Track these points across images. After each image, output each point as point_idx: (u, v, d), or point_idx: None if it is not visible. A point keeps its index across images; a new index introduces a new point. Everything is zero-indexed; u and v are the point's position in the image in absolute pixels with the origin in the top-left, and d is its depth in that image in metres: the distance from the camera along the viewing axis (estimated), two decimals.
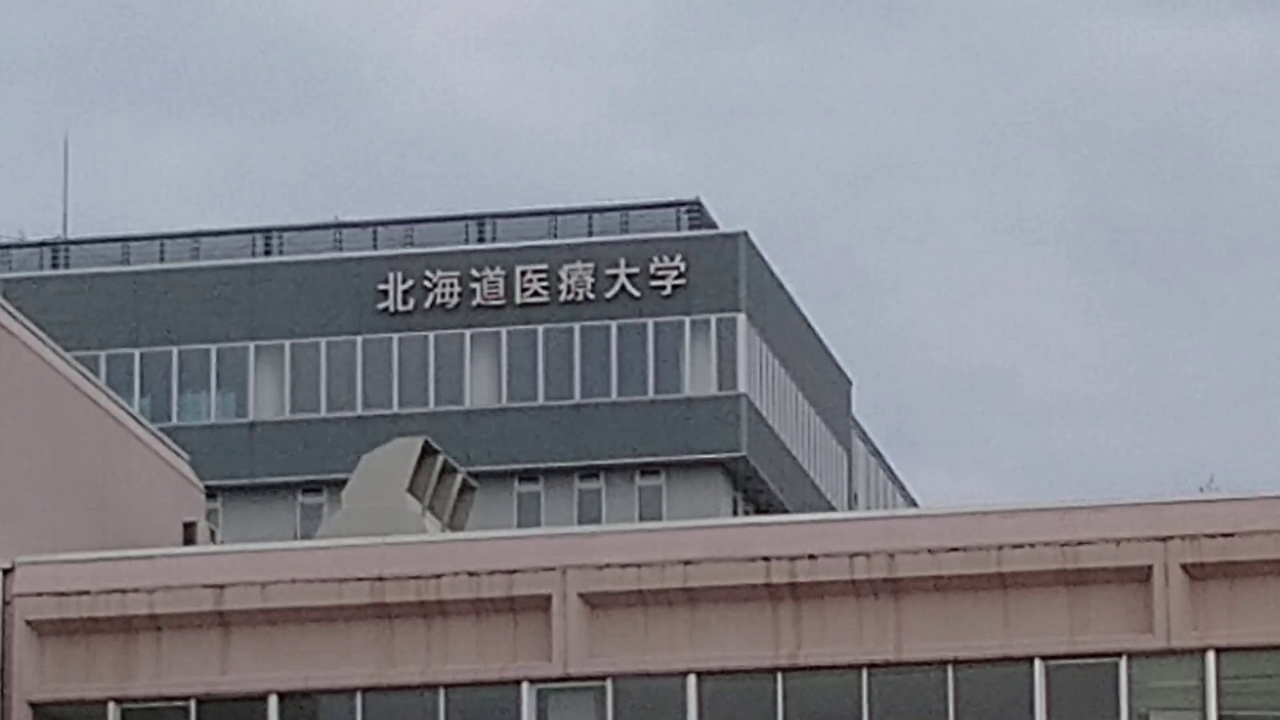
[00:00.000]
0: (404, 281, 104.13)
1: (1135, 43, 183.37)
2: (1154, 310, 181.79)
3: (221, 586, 50.09)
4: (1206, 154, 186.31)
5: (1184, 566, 46.17)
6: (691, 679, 47.91)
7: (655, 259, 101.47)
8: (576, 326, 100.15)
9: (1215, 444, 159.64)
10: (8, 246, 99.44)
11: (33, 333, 55.77)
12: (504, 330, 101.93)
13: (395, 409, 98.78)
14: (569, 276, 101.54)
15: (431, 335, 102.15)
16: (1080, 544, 47.05)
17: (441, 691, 49.15)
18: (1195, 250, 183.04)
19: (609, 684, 48.48)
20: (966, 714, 47.33)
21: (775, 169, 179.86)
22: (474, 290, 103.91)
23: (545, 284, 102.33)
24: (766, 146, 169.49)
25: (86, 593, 49.55)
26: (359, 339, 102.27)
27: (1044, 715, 46.72)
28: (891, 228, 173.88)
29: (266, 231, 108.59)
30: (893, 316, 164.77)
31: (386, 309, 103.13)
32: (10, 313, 55.62)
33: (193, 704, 48.99)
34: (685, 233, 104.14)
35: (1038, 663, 46.59)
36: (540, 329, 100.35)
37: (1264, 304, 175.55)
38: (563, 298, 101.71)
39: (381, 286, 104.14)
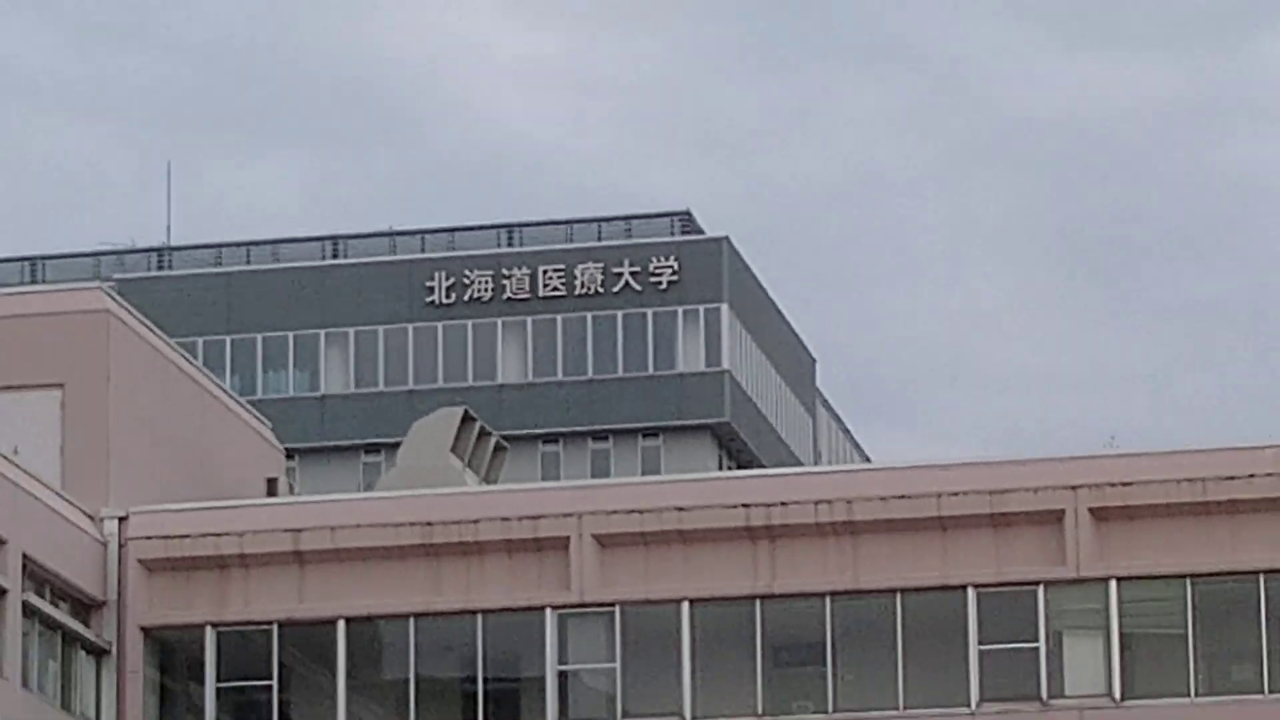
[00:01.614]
0: (446, 279, 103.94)
1: (1068, 80, 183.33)
2: (1080, 301, 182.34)
3: (298, 530, 50.70)
4: (1125, 171, 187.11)
5: (1090, 510, 47.12)
6: (685, 605, 48.37)
7: (653, 260, 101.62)
8: (589, 315, 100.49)
9: (1123, 409, 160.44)
10: (121, 252, 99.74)
11: (143, 323, 55.89)
12: (529, 319, 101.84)
13: (440, 384, 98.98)
14: (582, 274, 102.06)
15: (469, 323, 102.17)
16: (1005, 492, 47.89)
17: (479, 616, 49.36)
18: (1115, 251, 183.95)
19: (617, 609, 48.83)
20: (911, 633, 47.81)
21: (754, 184, 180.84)
22: (504, 286, 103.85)
23: (563, 281, 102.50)
24: (747, 165, 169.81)
25: (187, 536, 50.07)
26: (410, 326, 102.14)
27: (975, 634, 47.12)
28: (856, 234, 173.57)
29: (334, 239, 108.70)
30: (854, 307, 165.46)
31: (432, 302, 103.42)
32: (125, 307, 55.81)
33: (275, 627, 49.26)
34: (678, 238, 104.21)
35: (970, 590, 47.21)
36: (559, 318, 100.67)
37: (1169, 296, 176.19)
38: (577, 292, 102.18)
39: (428, 284, 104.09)
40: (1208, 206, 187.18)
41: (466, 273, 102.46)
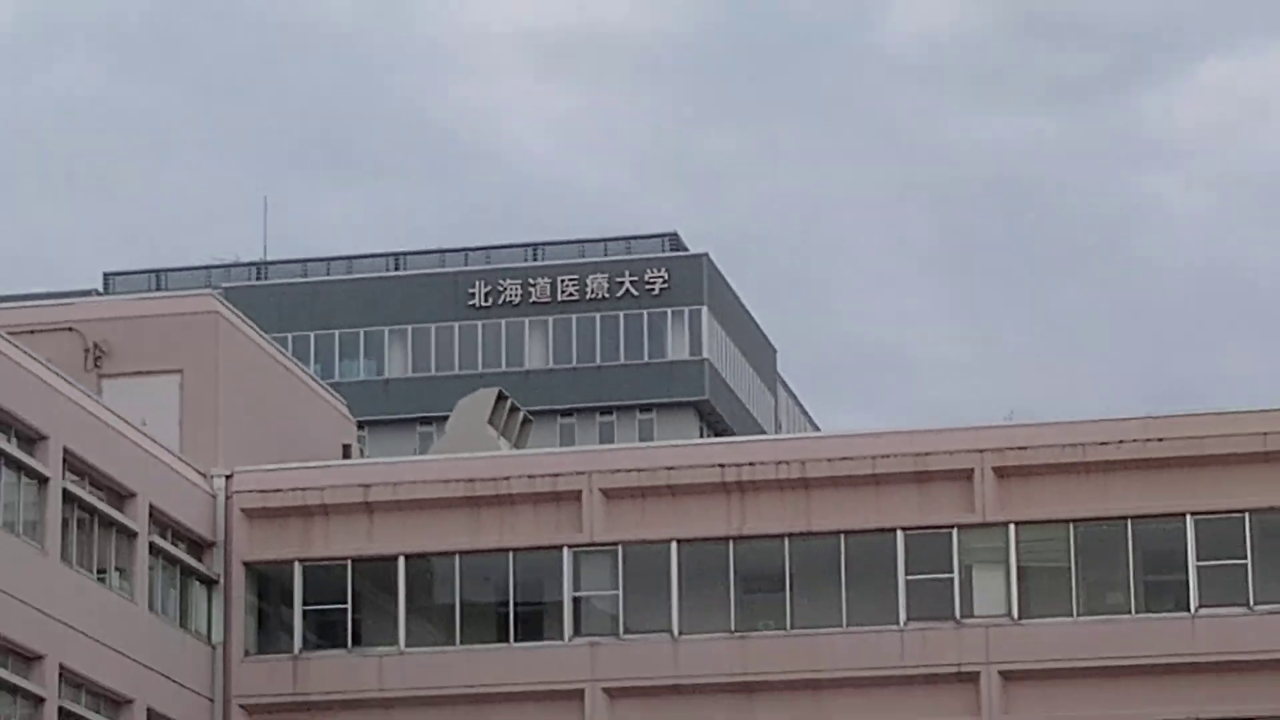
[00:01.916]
0: (485, 287, 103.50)
1: (977, 127, 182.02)
2: (990, 304, 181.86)
3: (367, 485, 51.81)
4: (1027, 201, 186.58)
5: (994, 468, 48.17)
6: (674, 544, 49.18)
7: (647, 271, 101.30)
8: (597, 316, 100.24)
9: (1022, 389, 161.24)
10: (228, 266, 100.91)
11: (244, 322, 57.00)
12: (550, 318, 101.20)
13: (479, 370, 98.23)
14: (591, 283, 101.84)
15: (503, 322, 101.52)
16: (927, 454, 49.04)
17: (510, 554, 50.33)
18: (1019, 264, 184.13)
19: (619, 548, 49.82)
20: (852, 566, 48.88)
21: (728, 212, 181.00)
22: (530, 292, 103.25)
23: (576, 288, 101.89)
24: (722, 197, 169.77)
25: (279, 490, 51.22)
26: (455, 324, 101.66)
27: (903, 567, 48.20)
28: (811, 251, 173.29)
29: (395, 255, 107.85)
30: (808, 309, 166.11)
31: (473, 305, 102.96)
32: (230, 309, 56.94)
33: (349, 563, 50.30)
34: (667, 254, 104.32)
35: (899, 532, 48.27)
36: (574, 318, 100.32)
37: (1059, 299, 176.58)
38: (588, 298, 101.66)
39: (470, 290, 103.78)
40: (1090, 228, 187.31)
41: (500, 281, 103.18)
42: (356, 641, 51.10)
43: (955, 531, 48.32)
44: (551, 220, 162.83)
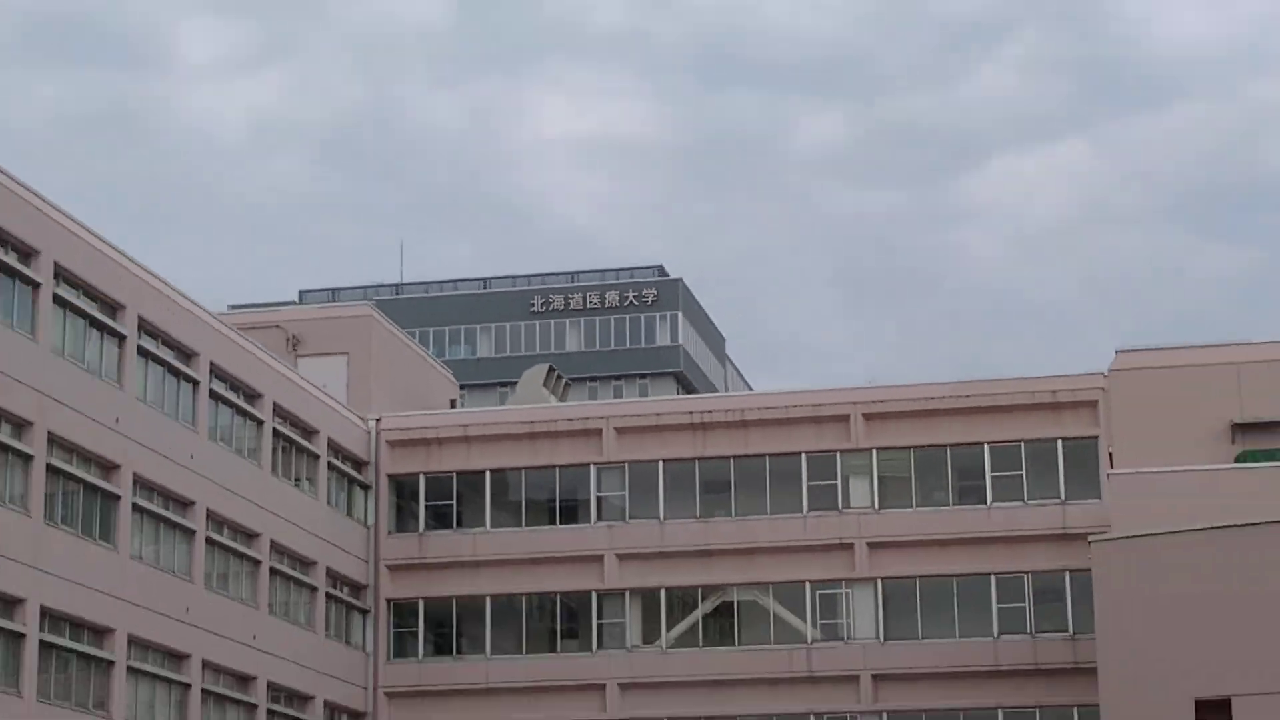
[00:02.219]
0: (540, 300, 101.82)
1: (856, 200, 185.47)
2: (867, 313, 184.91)
3: (465, 425, 58.21)
4: (887, 247, 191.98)
5: (864, 414, 54.11)
6: (660, 463, 55.48)
7: (644, 290, 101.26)
8: (611, 318, 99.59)
9: (886, 366, 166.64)
10: (377, 286, 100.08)
11: (389, 323, 62.88)
12: (581, 319, 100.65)
13: (536, 352, 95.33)
14: (605, 297, 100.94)
15: (551, 322, 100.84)
16: (821, 405, 55.16)
17: (556, 469, 56.34)
18: (884, 288, 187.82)
19: (626, 465, 56.11)
20: (774, 478, 54.82)
21: (696, 252, 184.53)
22: (569, 303, 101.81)
23: (598, 300, 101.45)
24: (693, 242, 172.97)
25: (409, 428, 57.28)
26: (522, 323, 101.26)
27: (806, 477, 54.24)
28: (749, 277, 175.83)
29: (485, 279, 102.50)
30: (747, 313, 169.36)
31: (533, 310, 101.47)
32: (380, 314, 62.62)
33: (454, 475, 56.25)
34: (655, 279, 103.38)
35: (803, 455, 54.41)
36: (596, 319, 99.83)
37: (909, 311, 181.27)
38: (606, 306, 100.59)
39: (530, 302, 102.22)
40: (926, 264, 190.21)
41: (549, 296, 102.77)
42: (459, 524, 57.51)
43: (838, 455, 54.99)
44: (583, 257, 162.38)
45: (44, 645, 40.62)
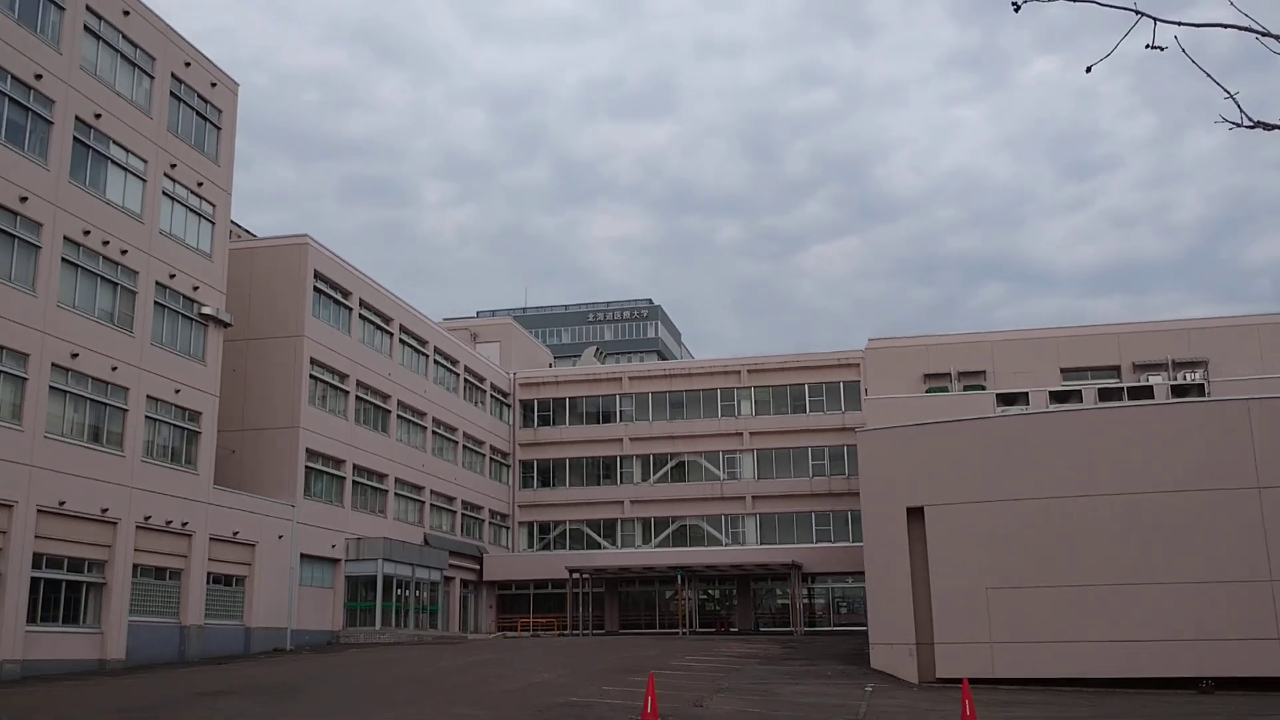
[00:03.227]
0: (589, 316, 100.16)
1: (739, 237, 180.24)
2: (757, 312, 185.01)
3: (556, 376, 56.43)
4: (782, 274, 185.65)
5: (747, 369, 54.08)
6: (650, 395, 55.79)
7: (641, 309, 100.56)
8: (626, 324, 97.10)
9: (765, 346, 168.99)
10: (516, 308, 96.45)
11: (522, 328, 61.78)
12: (607, 325, 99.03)
13: (587, 341, 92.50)
14: (623, 313, 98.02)
15: (592, 326, 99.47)
16: (726, 364, 54.61)
17: (600, 398, 56.46)
18: (776, 298, 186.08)
19: (634, 395, 56.33)
20: (705, 401, 54.80)
21: (668, 290, 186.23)
22: (600, 317, 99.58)
23: (616, 316, 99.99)
24: (667, 285, 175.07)
25: (530, 380, 56.93)
26: (583, 327, 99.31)
27: (720, 401, 54.39)
28: (695, 306, 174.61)
29: (564, 305, 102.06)
30: (694, 322, 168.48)
31: (589, 320, 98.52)
32: (517, 323, 62.66)
33: (550, 400, 56.04)
34: (644, 305, 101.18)
35: (718, 390, 54.55)
36: (618, 324, 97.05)
37: (791, 311, 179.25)
38: (623, 318, 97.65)
39: (586, 316, 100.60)
40: (779, 290, 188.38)
41: (590, 315, 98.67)
42: (552, 423, 57.15)
43: (735, 390, 55.11)
44: (612, 294, 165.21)
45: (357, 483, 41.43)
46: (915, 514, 27.35)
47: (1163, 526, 24.83)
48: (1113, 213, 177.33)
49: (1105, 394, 33.54)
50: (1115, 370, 41.25)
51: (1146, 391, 34.06)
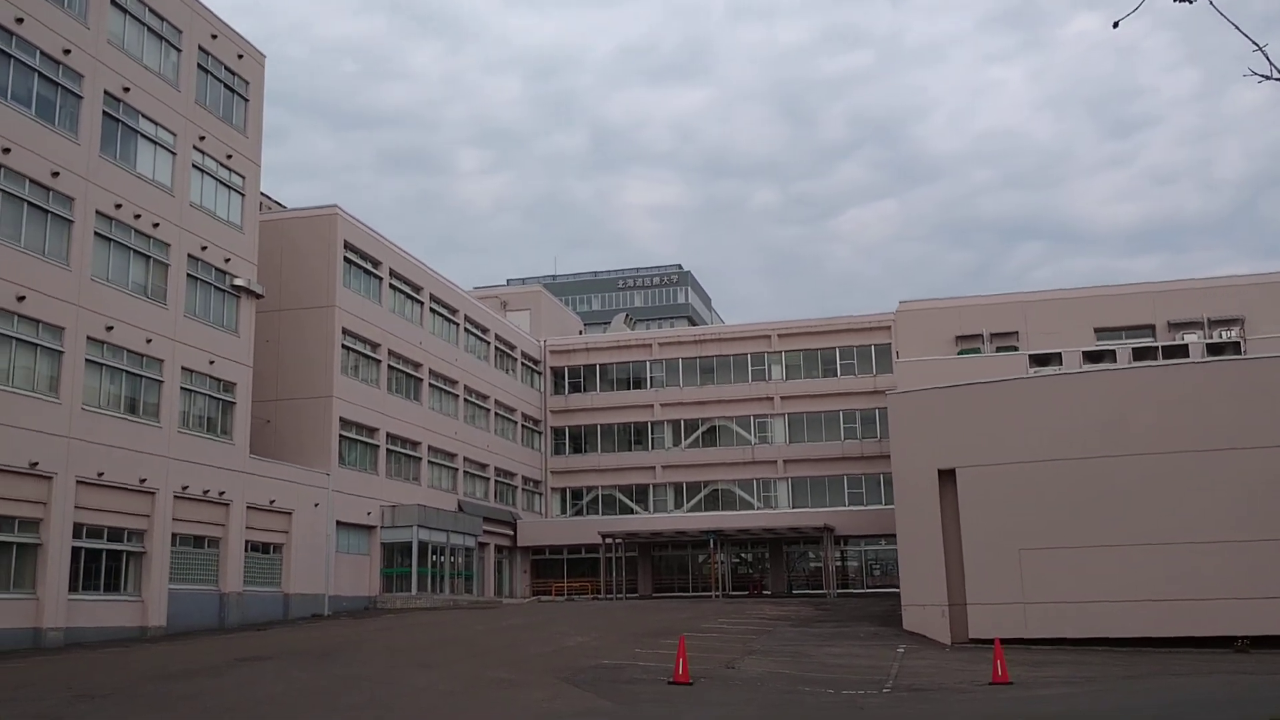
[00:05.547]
0: (621, 284, 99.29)
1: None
2: (788, 289, 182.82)
3: (587, 342, 56.60)
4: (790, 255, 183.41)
5: (778, 334, 53.44)
6: (680, 360, 55.33)
7: (671, 275, 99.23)
8: (657, 290, 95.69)
9: (796, 310, 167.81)
10: (539, 278, 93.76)
11: (552, 297, 61.45)
12: (639, 291, 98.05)
13: (620, 308, 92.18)
14: (654, 279, 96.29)
15: (623, 293, 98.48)
16: (758, 328, 54.17)
17: (631, 364, 55.77)
18: (809, 263, 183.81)
19: (664, 361, 55.65)
20: (735, 366, 54.26)
21: (698, 257, 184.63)
22: (637, 282, 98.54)
23: (649, 281, 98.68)
24: (698, 250, 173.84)
25: (559, 344, 56.58)
26: (610, 293, 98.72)
27: (750, 365, 53.90)
28: (724, 270, 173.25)
29: (594, 271, 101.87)
30: (722, 286, 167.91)
31: (619, 287, 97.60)
32: (547, 291, 61.82)
33: (581, 366, 56.32)
34: (674, 271, 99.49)
35: (748, 355, 53.87)
36: (649, 290, 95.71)
37: (813, 281, 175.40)
38: (653, 284, 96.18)
39: (616, 283, 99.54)
40: (811, 255, 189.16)
41: (621, 280, 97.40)
42: (583, 390, 56.81)
43: (766, 354, 54.55)
44: (645, 260, 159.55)
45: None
46: (947, 475, 27.21)
47: (1198, 485, 24.63)
48: (1154, 170, 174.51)
49: (1139, 353, 33.34)
50: (1150, 329, 40.79)
51: (1181, 350, 33.65)
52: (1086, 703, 14.59)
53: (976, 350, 41.55)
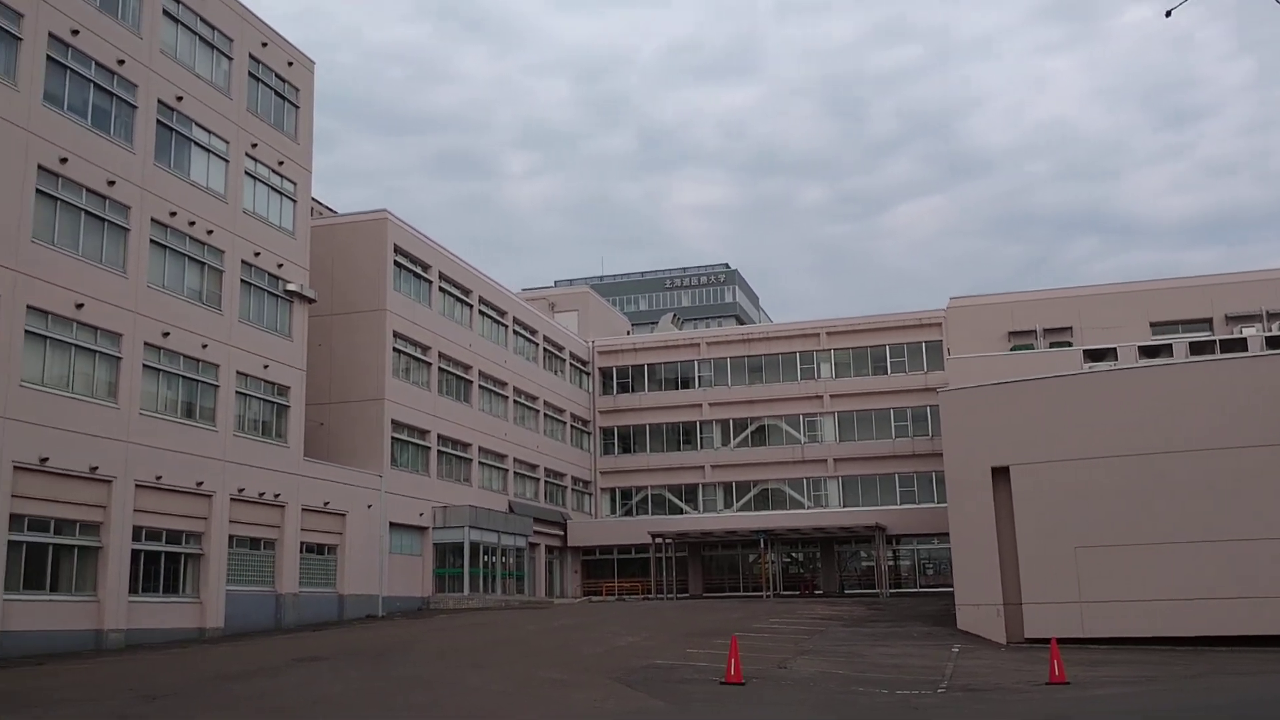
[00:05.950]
0: (668, 284, 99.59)
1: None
2: (832, 287, 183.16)
3: (635, 343, 56.65)
4: (842, 252, 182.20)
5: (826, 332, 53.58)
6: (728, 359, 55.16)
7: (719, 274, 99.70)
8: (704, 289, 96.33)
9: (846, 308, 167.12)
10: (586, 279, 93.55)
11: (599, 297, 61.21)
12: (686, 291, 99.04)
13: (666, 308, 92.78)
14: (701, 278, 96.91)
15: (670, 293, 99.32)
16: (805, 327, 54.12)
17: (679, 364, 55.98)
18: (859, 254, 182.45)
19: (712, 360, 55.37)
20: (784, 364, 54.04)
21: (745, 256, 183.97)
22: (684, 282, 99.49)
23: (696, 281, 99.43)
24: (746, 249, 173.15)
25: (607, 344, 56.63)
26: (656, 294, 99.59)
27: (799, 364, 53.41)
28: (771, 272, 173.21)
29: (642, 271, 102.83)
30: (771, 285, 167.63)
31: (667, 286, 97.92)
32: (595, 292, 61.95)
33: (629, 366, 56.07)
34: (722, 270, 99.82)
35: (797, 353, 53.40)
36: (697, 289, 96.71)
37: (858, 278, 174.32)
38: (700, 284, 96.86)
39: (663, 283, 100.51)
40: (860, 254, 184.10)
41: (669, 280, 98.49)
42: (631, 390, 56.81)
43: (815, 353, 54.36)
44: (692, 259, 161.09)
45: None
46: (1000, 473, 26.96)
47: (1258, 481, 24.23)
48: (1211, 161, 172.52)
49: (1196, 347, 32.89)
50: (1207, 323, 40.17)
51: (1240, 344, 33.17)
52: (1148, 702, 14.49)
53: (1029, 346, 40.94)
